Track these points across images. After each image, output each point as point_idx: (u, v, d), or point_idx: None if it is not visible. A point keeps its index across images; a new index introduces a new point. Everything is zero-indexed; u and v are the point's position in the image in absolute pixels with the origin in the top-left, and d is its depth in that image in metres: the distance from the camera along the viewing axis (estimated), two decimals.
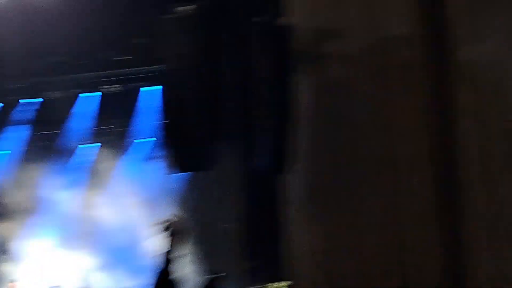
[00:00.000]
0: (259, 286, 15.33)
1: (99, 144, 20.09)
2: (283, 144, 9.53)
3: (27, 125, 20.29)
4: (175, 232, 6.96)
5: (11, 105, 20.11)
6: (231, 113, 16.06)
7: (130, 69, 18.52)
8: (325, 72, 9.53)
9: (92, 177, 19.70)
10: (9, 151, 20.50)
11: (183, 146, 15.94)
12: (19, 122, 20.25)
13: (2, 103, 20.05)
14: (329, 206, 10.23)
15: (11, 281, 18.21)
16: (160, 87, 17.22)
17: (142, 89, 18.98)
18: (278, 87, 9.35)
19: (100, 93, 19.17)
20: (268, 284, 15.00)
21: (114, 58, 18.45)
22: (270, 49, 9.42)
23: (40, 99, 19.67)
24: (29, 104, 19.99)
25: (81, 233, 19.59)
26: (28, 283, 18.84)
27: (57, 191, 19.71)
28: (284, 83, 9.23)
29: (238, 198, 19.03)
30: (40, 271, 19.52)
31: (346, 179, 9.40)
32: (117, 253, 18.88)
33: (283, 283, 15.06)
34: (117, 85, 18.72)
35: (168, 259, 6.58)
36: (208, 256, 16.77)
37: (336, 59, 9.45)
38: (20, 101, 19.98)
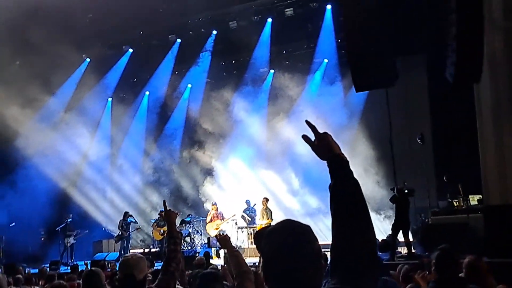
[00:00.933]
0: (450, 200, 15.01)
1: (281, 68, 20.40)
2: (472, 52, 8.98)
3: (213, 56, 21.20)
4: None
5: (194, 38, 21.05)
6: (415, 25, 15.51)
7: None
8: None
9: (277, 100, 20.16)
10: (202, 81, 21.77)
11: (365, 63, 15.77)
12: (205, 53, 21.22)
13: (183, 38, 21.10)
14: None
15: (213, 203, 19.30)
16: (338, 5, 16.95)
17: (319, 9, 18.78)
18: None
19: (278, 17, 19.28)
20: (460, 198, 14.64)
21: None
22: None
23: (222, 29, 20.28)
24: (212, 35, 20.81)
25: (270, 155, 20.32)
26: (226, 202, 20.05)
27: (246, 115, 20.63)
28: None
29: (426, 111, 18.50)
30: (236, 191, 20.71)
31: None
32: (306, 175, 19.38)
33: (473, 197, 14.67)
34: (294, 8, 18.66)
35: None
36: (401, 171, 16.70)
37: None
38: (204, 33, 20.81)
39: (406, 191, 13.48)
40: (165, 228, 18.44)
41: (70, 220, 19.04)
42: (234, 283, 3.92)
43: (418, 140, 16.12)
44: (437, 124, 18.14)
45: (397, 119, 17.86)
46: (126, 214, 19.34)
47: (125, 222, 19.06)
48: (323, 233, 19.36)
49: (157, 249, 18.81)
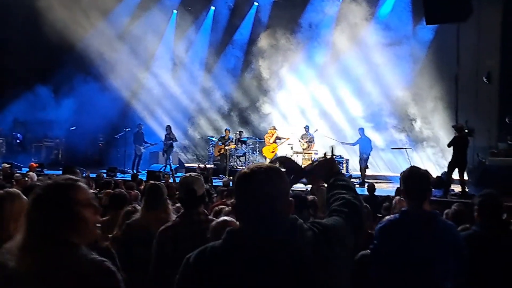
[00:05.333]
0: (510, 143, 14.73)
1: None
2: None
3: None
4: None
5: None
6: None
7: None
8: None
9: (343, 26, 19.69)
10: None
11: None
12: None
13: None
14: None
15: (273, 128, 19.17)
16: None
17: None
18: None
19: None
20: None
21: None
22: None
23: None
24: None
25: (330, 80, 20.07)
26: (284, 126, 20.17)
27: (311, 40, 20.41)
28: None
29: (497, 50, 17.79)
30: (295, 116, 20.97)
31: None
32: (369, 106, 19.30)
33: None
34: None
35: None
36: (463, 109, 16.39)
37: None
38: None
39: (466, 130, 13.30)
40: (228, 147, 18.53)
41: (130, 129, 19.20)
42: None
43: (485, 79, 15.71)
44: (506, 64, 17.43)
45: (465, 55, 17.28)
46: (167, 128, 19.11)
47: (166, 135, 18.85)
48: (384, 164, 19.40)
49: (213, 166, 19.15)
